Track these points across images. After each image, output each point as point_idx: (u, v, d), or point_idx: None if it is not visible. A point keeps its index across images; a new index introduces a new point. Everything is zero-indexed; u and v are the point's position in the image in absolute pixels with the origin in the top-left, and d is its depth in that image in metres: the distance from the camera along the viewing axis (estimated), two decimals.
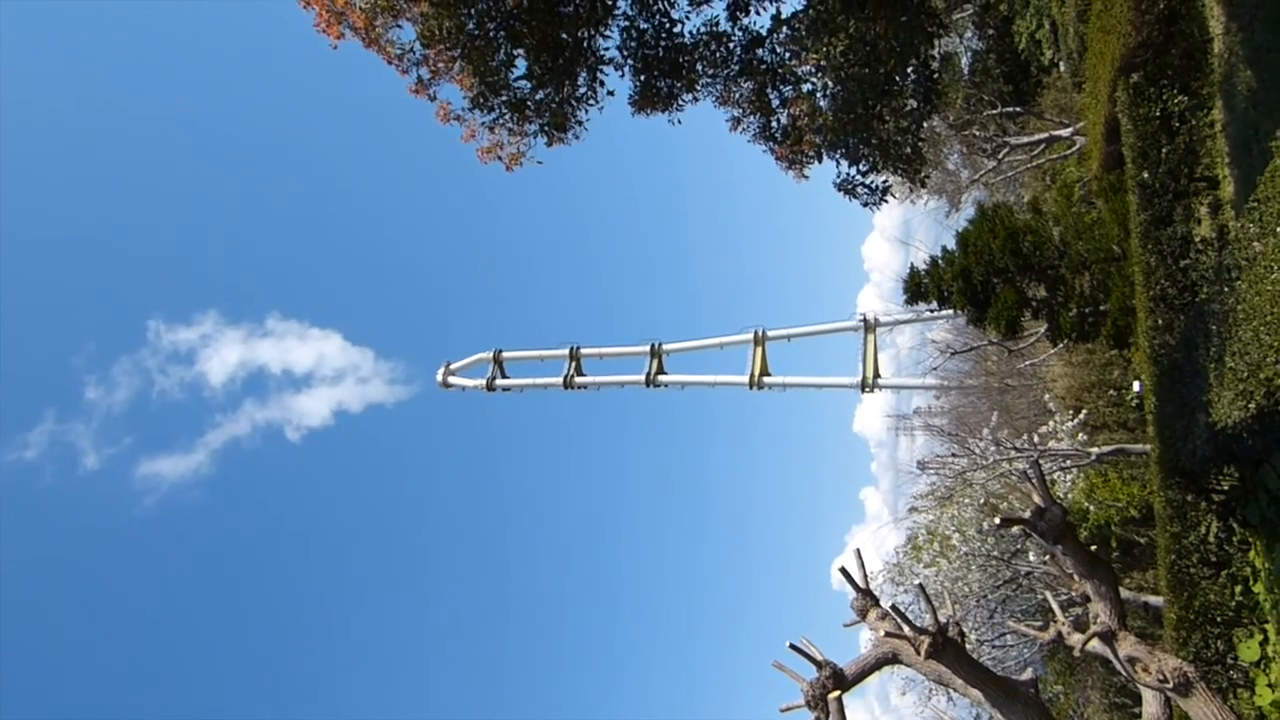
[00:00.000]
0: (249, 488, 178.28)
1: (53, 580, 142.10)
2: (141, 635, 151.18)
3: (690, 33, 18.82)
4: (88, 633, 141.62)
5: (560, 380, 65.31)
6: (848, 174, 20.10)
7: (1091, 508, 37.55)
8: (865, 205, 20.54)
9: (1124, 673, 15.21)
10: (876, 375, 55.39)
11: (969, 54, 59.81)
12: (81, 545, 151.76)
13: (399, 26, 16.93)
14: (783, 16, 18.80)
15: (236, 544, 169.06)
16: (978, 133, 52.38)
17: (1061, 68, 51.22)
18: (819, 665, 13.15)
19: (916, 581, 36.72)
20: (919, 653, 13.12)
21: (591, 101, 18.91)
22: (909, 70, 18.99)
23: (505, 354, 69.31)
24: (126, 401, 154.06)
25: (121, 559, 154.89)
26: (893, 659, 13.92)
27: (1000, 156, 51.64)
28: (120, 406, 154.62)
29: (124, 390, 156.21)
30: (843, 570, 14.43)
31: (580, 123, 19.14)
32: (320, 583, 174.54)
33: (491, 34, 16.94)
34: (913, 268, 33.76)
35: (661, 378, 61.77)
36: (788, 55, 18.95)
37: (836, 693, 13.01)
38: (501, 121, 18.51)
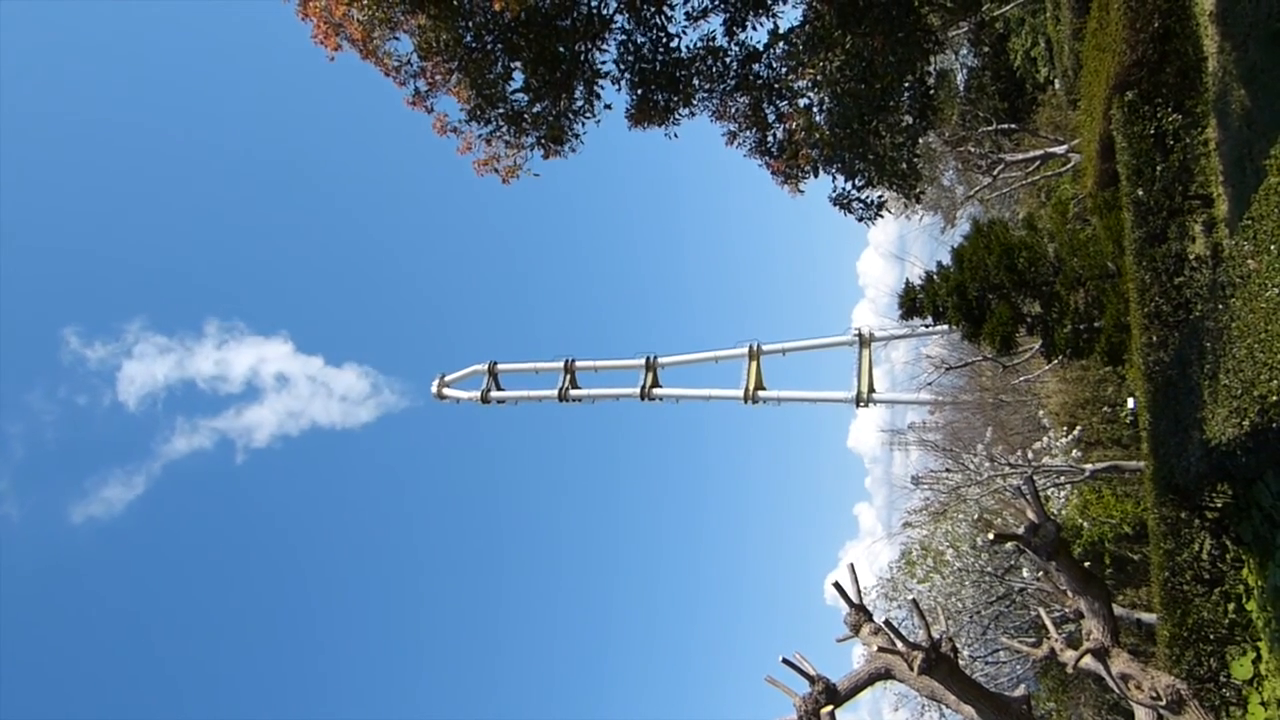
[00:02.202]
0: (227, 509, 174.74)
1: None
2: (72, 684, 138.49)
3: (687, 47, 18.87)
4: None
5: (555, 393, 65.25)
6: (843, 189, 20.13)
7: (1085, 524, 37.54)
8: (860, 220, 20.56)
9: (1117, 690, 15.20)
10: (871, 390, 55.40)
11: (965, 71, 60.19)
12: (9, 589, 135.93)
13: (396, 38, 16.95)
14: (780, 31, 18.85)
15: (183, 576, 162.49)
16: (973, 149, 52.54)
17: (1056, 85, 51.54)
18: (812, 680, 13.13)
19: (910, 597, 36.72)
20: (912, 668, 13.11)
21: (588, 115, 18.95)
22: (905, 86, 19.02)
23: (500, 366, 69.22)
24: (46, 427, 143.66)
25: (54, 601, 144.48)
26: (885, 674, 13.91)
27: (995, 173, 51.79)
28: (41, 434, 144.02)
29: (45, 415, 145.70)
30: (836, 585, 14.42)
31: (577, 136, 19.17)
32: (302, 605, 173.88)
33: (489, 47, 16.98)
34: (908, 283, 33.79)
35: (656, 391, 61.70)
36: (784, 70, 18.99)
37: (829, 708, 13.00)
38: (498, 134, 18.53)
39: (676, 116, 19.54)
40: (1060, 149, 46.35)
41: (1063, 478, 37.57)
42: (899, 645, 13.28)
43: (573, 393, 64.98)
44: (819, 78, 17.91)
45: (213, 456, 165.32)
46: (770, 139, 19.83)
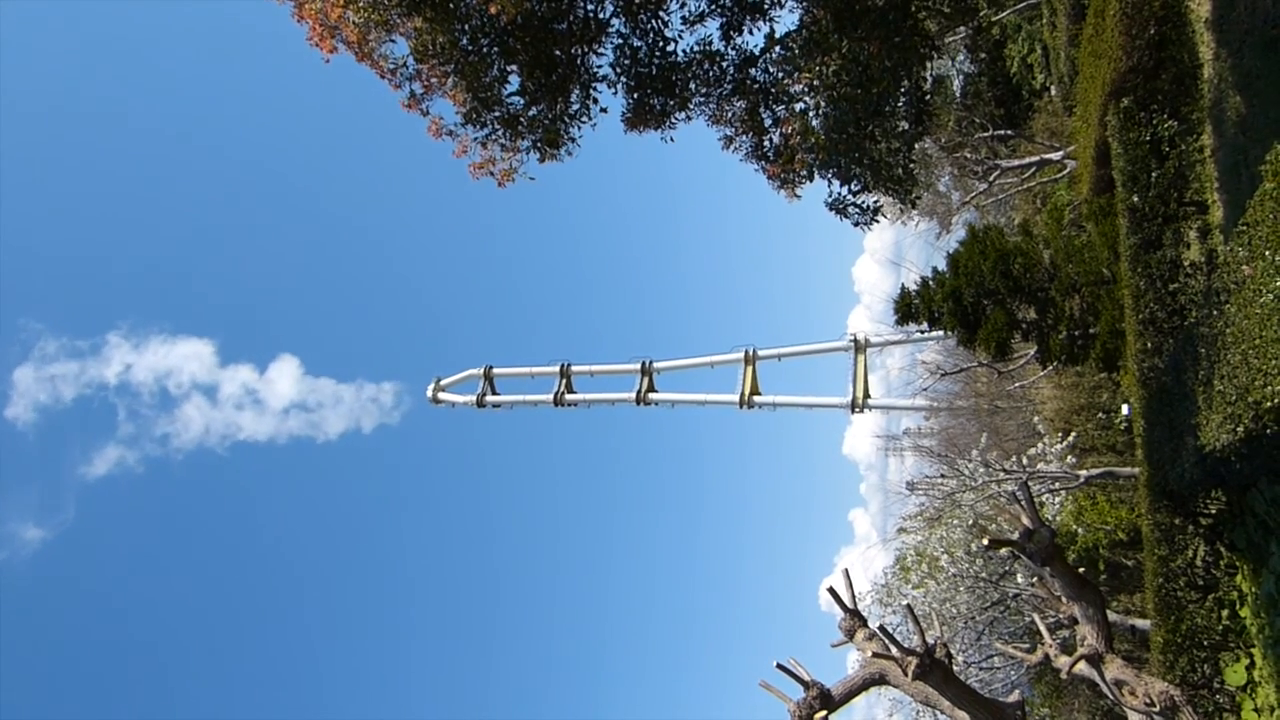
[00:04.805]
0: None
1: None
2: None
3: (683, 51, 18.86)
4: None
5: (551, 397, 65.21)
6: (839, 194, 20.11)
7: (1080, 530, 37.58)
8: (856, 225, 20.54)
9: (1111, 696, 15.21)
10: (866, 396, 55.43)
11: (961, 77, 60.20)
12: None
13: (392, 41, 16.92)
14: (776, 36, 18.85)
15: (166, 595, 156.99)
16: (969, 155, 52.63)
17: (1053, 92, 51.58)
18: (806, 685, 13.09)
19: (904, 603, 36.68)
20: (906, 674, 13.07)
21: (584, 118, 18.92)
22: (901, 91, 19.04)
23: (496, 370, 69.15)
24: None
25: None
26: (880, 680, 13.87)
27: (991, 179, 51.88)
28: None
29: None
30: (831, 591, 14.39)
31: (573, 139, 19.13)
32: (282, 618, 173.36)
33: (485, 50, 16.95)
34: (903, 288, 33.82)
35: (652, 396, 61.71)
36: (781, 75, 18.99)
37: (823, 713, 12.95)
38: (494, 137, 18.51)
39: (673, 120, 19.52)
40: (1056, 155, 46.44)
41: (1057, 484, 37.62)
42: (893, 651, 13.24)
43: (568, 397, 64.97)
44: (815, 82, 17.92)
45: (205, 464, 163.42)
46: (767, 143, 19.82)
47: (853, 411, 55.91)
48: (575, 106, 18.70)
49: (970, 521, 38.10)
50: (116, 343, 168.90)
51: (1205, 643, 21.67)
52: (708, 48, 18.96)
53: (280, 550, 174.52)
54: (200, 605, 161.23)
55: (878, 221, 20.74)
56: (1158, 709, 13.78)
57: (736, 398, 58.51)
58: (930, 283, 32.64)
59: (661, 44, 18.57)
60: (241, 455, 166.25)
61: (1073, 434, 40.58)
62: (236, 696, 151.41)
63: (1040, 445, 39.76)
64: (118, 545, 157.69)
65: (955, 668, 14.79)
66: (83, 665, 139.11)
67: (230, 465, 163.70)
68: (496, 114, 18.11)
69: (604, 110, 19.03)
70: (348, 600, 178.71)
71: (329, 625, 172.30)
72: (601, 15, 17.79)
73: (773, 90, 19.21)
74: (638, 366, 62.14)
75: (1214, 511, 21.82)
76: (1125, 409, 37.41)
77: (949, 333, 33.23)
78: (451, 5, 16.18)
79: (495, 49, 17.06)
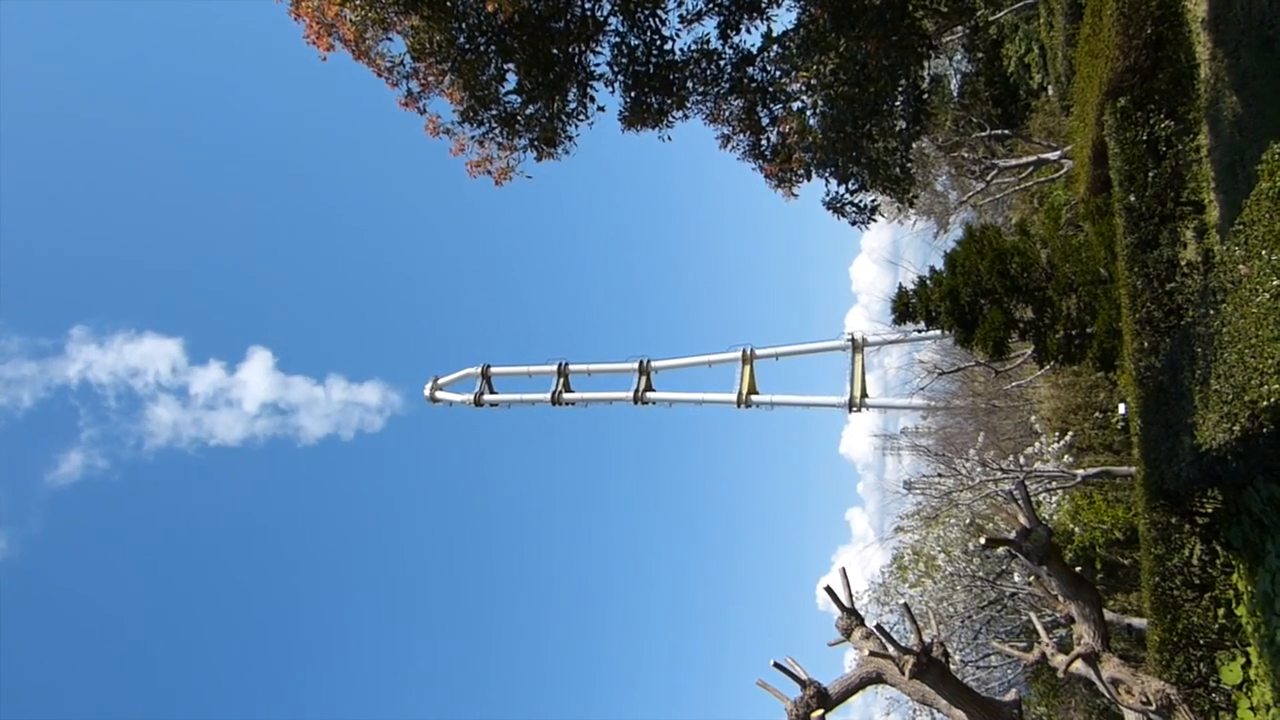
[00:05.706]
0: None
1: None
2: None
3: (681, 50, 18.84)
4: None
5: (548, 396, 65.14)
6: (837, 193, 20.11)
7: (1076, 529, 37.58)
8: (854, 224, 20.54)
9: (1108, 695, 15.22)
10: (864, 395, 55.39)
11: (959, 76, 60.28)
12: None
13: (389, 39, 16.89)
14: (774, 35, 18.84)
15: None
16: (966, 154, 52.65)
17: (1050, 91, 51.66)
18: (803, 684, 13.10)
19: (901, 601, 36.70)
20: (903, 672, 13.08)
21: (582, 117, 18.90)
22: (899, 90, 19.04)
23: (494, 369, 69.07)
24: None
25: None
26: (877, 679, 13.88)
27: (988, 178, 51.89)
28: None
29: None
30: (828, 589, 14.39)
31: (570, 138, 19.11)
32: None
33: (482, 48, 16.93)
34: (901, 287, 33.82)
35: (649, 395, 61.65)
36: (778, 73, 18.98)
37: (820, 712, 12.96)
38: (491, 136, 18.48)
39: (670, 119, 19.49)
40: (1053, 155, 46.46)
41: (1054, 483, 37.66)
42: (890, 650, 13.25)
43: (566, 396, 64.87)
44: (813, 81, 17.92)
45: (177, 467, 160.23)
46: (764, 142, 19.81)
47: (850, 411, 55.87)
48: (572, 105, 18.68)
49: (967, 520, 38.16)
50: (81, 338, 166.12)
51: (1201, 641, 21.69)
52: (705, 46, 18.94)
53: (271, 553, 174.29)
54: (181, 613, 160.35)
55: (875, 221, 20.74)
56: (1154, 707, 13.80)
57: (734, 397, 58.45)
58: (927, 282, 32.63)
59: (659, 42, 18.55)
60: (218, 458, 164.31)
61: (1070, 433, 40.62)
62: (218, 705, 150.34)
63: (1037, 444, 39.81)
64: (85, 554, 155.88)
65: (952, 666, 14.82)
66: (65, 671, 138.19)
67: (204, 468, 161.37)
68: (494, 112, 18.09)
69: (601, 109, 19.02)
70: (344, 602, 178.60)
71: (325, 630, 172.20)
72: (599, 13, 17.77)
73: (770, 89, 19.20)
74: (635, 365, 62.07)
75: (1210, 510, 21.84)
76: (1122, 408, 37.45)
77: (946, 332, 33.21)
78: (449, 3, 16.16)
79: (492, 47, 17.04)
